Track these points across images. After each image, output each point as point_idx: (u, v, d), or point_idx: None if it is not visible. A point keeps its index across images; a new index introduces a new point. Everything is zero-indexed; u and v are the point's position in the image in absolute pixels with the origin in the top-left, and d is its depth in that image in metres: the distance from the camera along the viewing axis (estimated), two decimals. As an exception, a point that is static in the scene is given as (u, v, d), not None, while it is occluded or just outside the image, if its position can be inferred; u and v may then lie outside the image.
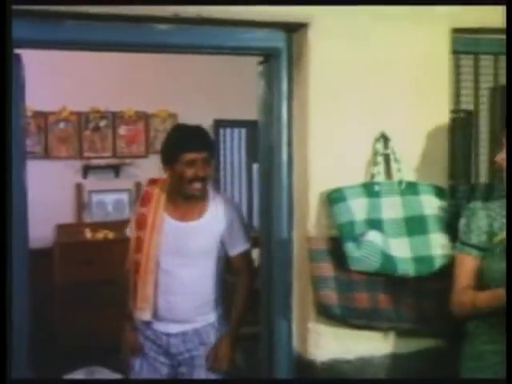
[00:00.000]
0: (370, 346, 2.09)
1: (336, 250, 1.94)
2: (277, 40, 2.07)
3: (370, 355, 2.10)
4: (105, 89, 4.64)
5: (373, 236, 1.89)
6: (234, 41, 2.04)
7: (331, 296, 1.94)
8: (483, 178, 2.27)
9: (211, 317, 2.29)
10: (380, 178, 2.02)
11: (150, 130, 4.87)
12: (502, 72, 2.30)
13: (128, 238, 2.35)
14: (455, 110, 2.30)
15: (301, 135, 2.08)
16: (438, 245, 1.96)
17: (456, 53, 2.20)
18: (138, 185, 4.80)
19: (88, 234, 4.49)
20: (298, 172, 2.11)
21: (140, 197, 2.32)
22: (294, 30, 2.06)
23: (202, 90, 4.75)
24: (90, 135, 4.72)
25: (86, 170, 4.71)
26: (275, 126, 2.12)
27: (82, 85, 4.55)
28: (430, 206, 2.01)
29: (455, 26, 2.13)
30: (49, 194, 4.31)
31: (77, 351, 3.80)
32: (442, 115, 2.12)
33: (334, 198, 1.96)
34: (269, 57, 2.12)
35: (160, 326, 2.29)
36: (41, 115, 4.59)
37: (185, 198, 2.23)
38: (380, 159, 2.03)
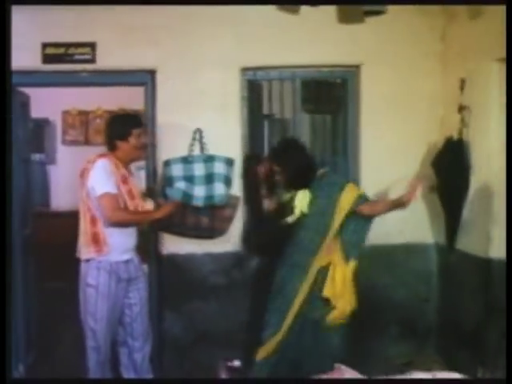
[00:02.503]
0: (194, 246, 4.00)
1: (164, 191, 3.89)
2: (145, 78, 4.03)
3: (193, 252, 4.01)
4: (129, 93, 6.79)
5: (179, 184, 3.81)
6: (121, 79, 4.06)
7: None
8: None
9: None
10: (194, 152, 3.92)
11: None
12: (288, 95, 4.10)
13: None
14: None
15: (158, 128, 4.03)
16: (218, 189, 3.83)
17: (252, 81, 4.04)
18: (153, 164, 6.93)
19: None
20: (158, 148, 4.06)
21: (114, 164, 3.35)
22: (153, 72, 4.01)
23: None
24: (118, 128, 6.91)
25: (115, 153, 6.91)
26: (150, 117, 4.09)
27: (111, 92, 6.73)
28: (220, 168, 3.86)
29: (244, 66, 3.96)
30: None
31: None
32: (233, 121, 3.98)
33: (164, 164, 3.91)
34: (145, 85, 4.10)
35: (119, 257, 3.37)
36: (83, 113, 6.89)
37: (127, 163, 3.46)
38: (195, 142, 3.94)
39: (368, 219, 3.47)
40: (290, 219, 3.49)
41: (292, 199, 3.51)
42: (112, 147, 3.43)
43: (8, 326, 2.29)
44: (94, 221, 3.34)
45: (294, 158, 3.48)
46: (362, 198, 3.42)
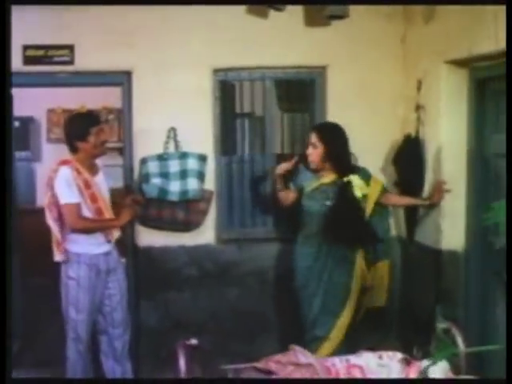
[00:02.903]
0: (169, 239, 4.23)
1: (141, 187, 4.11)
2: (121, 79, 4.26)
3: (168, 245, 4.23)
4: (112, 92, 7.01)
5: (155, 180, 4.04)
6: (98, 80, 4.29)
7: (138, 210, 4.12)
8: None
9: None
10: (169, 150, 4.15)
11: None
12: (258, 94, 4.32)
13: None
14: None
15: (134, 127, 4.25)
16: (192, 184, 4.05)
17: (223, 82, 4.27)
18: (136, 161, 7.15)
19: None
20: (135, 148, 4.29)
21: (75, 170, 3.46)
22: (129, 73, 4.24)
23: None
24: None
25: (99, 151, 7.13)
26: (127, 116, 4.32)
27: (95, 90, 6.94)
28: (193, 164, 4.09)
29: (216, 67, 4.19)
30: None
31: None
32: (206, 120, 4.21)
33: (141, 162, 4.14)
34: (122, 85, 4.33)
35: (98, 249, 3.57)
36: (68, 112, 7.08)
37: (92, 161, 3.59)
38: (170, 140, 4.16)
39: (385, 212, 3.74)
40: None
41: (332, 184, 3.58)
42: (73, 149, 3.52)
43: (8, 327, 2.26)
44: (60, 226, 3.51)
45: (346, 141, 3.61)
46: (385, 190, 3.69)
